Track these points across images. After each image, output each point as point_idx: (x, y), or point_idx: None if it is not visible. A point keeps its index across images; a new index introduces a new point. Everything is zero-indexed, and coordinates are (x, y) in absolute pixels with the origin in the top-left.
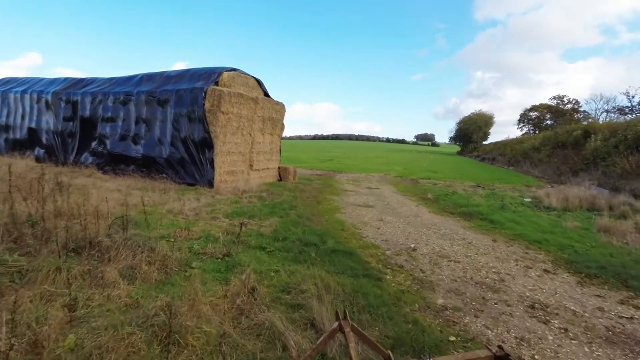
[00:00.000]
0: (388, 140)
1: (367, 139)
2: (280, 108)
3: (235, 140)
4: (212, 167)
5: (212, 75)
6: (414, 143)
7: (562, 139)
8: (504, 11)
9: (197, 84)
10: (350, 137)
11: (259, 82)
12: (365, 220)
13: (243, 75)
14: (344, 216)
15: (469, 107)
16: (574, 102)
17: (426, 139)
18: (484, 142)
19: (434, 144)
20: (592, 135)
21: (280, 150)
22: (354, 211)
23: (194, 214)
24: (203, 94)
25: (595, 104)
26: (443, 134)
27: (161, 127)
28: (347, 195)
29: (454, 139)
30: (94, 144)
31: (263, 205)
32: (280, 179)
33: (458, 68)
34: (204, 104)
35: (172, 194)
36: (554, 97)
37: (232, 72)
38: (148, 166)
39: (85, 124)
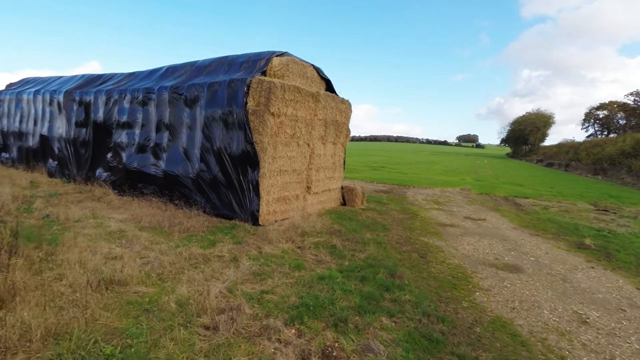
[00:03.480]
0: (428, 141)
1: (407, 140)
2: (345, 108)
3: (289, 153)
4: (257, 193)
5: (257, 62)
6: (456, 144)
7: None
8: (554, 7)
9: (236, 75)
10: (388, 139)
11: (318, 71)
12: (555, 323)
13: (300, 62)
14: (497, 303)
15: (515, 107)
16: None
17: (469, 140)
18: (541, 144)
19: (479, 146)
20: None
21: (344, 164)
22: (503, 286)
23: (228, 316)
24: (245, 88)
25: None
26: (486, 135)
27: (188, 135)
28: (454, 238)
29: (506, 140)
30: (109, 155)
31: (344, 274)
32: (344, 203)
33: (503, 67)
34: (246, 103)
35: (194, 246)
36: (631, 93)
37: (285, 58)
38: (171, 188)
39: (99, 131)
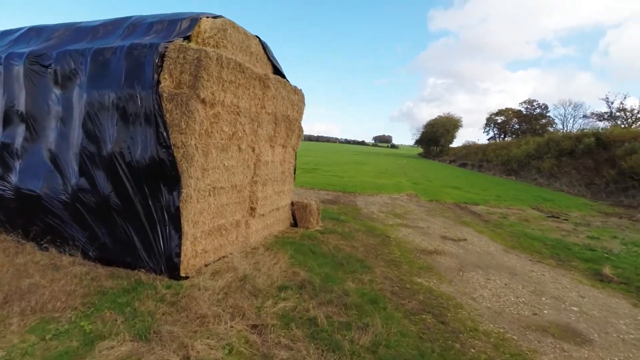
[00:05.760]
0: (347, 141)
1: (327, 140)
2: (298, 100)
3: (227, 161)
4: (177, 225)
5: (177, 23)
6: (373, 145)
7: (567, 147)
8: (456, 23)
9: (142, 40)
10: (309, 138)
11: (264, 47)
12: None
13: (242, 30)
14: None
15: (422, 111)
16: (543, 106)
17: (384, 140)
18: (450, 146)
19: (393, 146)
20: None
21: (295, 173)
22: None
23: None
24: (157, 59)
25: (564, 109)
26: (399, 136)
27: (60, 131)
28: (455, 275)
29: (419, 141)
30: None
31: None
32: (294, 224)
33: (413, 74)
34: (158, 81)
35: (51, 347)
36: (525, 102)
37: (221, 20)
38: (28, 216)
39: None
